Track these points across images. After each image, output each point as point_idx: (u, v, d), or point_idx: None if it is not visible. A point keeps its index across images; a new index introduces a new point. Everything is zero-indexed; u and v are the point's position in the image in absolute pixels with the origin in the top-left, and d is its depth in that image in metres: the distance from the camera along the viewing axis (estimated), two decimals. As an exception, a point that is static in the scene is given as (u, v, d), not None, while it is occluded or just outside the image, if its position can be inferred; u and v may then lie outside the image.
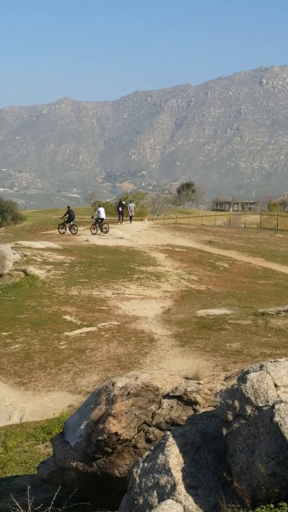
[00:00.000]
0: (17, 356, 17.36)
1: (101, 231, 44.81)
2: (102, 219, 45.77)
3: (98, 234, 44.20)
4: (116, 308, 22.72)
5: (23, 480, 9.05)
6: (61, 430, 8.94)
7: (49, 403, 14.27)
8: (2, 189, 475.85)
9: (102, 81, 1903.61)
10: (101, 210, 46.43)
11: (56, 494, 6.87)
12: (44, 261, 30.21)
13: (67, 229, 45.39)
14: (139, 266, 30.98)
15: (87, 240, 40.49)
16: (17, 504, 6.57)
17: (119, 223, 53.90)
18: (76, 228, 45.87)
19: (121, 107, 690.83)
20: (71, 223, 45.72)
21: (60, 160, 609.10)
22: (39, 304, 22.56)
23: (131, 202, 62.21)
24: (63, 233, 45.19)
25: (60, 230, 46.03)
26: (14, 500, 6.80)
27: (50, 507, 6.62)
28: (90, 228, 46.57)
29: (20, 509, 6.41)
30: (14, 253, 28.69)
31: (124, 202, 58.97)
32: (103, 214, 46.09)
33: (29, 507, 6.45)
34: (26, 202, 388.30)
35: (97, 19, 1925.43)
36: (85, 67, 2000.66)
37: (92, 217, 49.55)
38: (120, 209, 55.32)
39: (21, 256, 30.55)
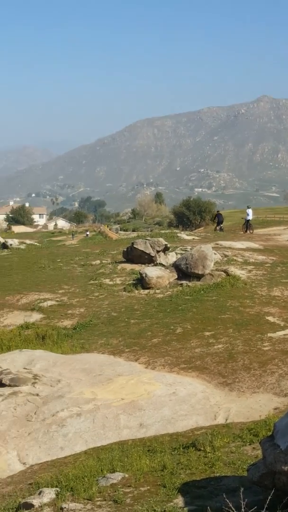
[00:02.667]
0: (220, 356, 17.48)
1: (248, 231, 47.93)
2: (248, 220, 48.79)
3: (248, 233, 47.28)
4: None
5: (232, 481, 9.06)
6: (270, 433, 8.83)
7: (254, 404, 14.19)
8: (201, 189, 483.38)
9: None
10: (249, 211, 49.06)
11: (269, 497, 6.79)
12: (245, 261, 30.18)
13: (218, 230, 50.75)
14: None
15: (288, 240, 39.93)
16: (230, 505, 6.58)
17: None
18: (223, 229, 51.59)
19: None
20: (221, 226, 51.04)
21: (258, 159, 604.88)
22: (241, 305, 22.56)
23: None
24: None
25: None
26: (227, 500, 6.82)
27: (264, 510, 6.54)
28: (241, 228, 50.26)
29: (233, 510, 6.41)
30: (214, 253, 28.92)
31: None
32: (250, 216, 49.01)
33: (243, 509, 6.43)
34: (224, 202, 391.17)
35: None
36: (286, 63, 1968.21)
37: (242, 218, 53.29)
38: None
39: (221, 256, 30.77)
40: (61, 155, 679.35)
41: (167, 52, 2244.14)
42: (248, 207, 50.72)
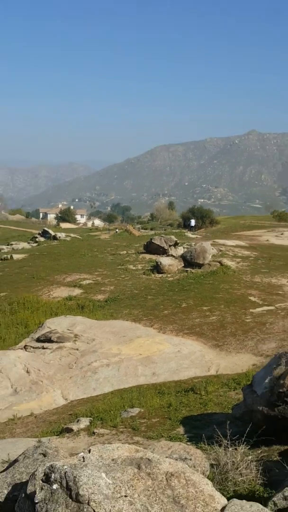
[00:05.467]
0: (214, 325, 17.56)
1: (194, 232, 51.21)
2: (192, 226, 55.25)
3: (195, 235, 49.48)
4: (290, 293, 22.02)
5: (220, 417, 9.17)
6: (249, 382, 8.90)
7: (238, 361, 14.29)
8: (203, 200, 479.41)
9: (285, 113, 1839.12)
10: (192, 221, 56.97)
11: (248, 429, 6.90)
12: (234, 255, 30.10)
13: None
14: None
15: (267, 240, 39.63)
16: (219, 433, 6.69)
17: None
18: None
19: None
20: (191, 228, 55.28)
21: (247, 178, 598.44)
22: (231, 287, 22.58)
23: None
24: None
25: None
26: (217, 430, 6.93)
27: (244, 438, 6.66)
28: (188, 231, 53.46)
29: (221, 437, 6.52)
30: (212, 248, 28.92)
31: None
32: (193, 223, 56.42)
33: (228, 436, 6.53)
34: (220, 210, 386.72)
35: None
36: (271, 102, 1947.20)
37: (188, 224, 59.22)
38: None
39: (217, 251, 30.67)
40: (98, 171, 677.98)
41: (179, 93, 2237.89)
42: (191, 219, 58.90)
